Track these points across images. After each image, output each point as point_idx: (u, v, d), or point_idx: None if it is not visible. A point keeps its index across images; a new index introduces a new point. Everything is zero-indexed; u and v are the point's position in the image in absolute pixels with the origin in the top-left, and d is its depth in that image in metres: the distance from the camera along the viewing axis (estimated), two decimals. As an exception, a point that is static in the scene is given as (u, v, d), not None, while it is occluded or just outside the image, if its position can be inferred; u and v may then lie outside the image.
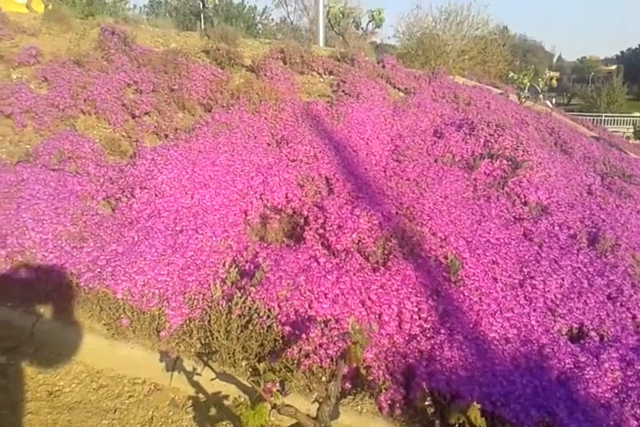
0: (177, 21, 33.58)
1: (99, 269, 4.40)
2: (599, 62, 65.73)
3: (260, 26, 38.29)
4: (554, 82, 10.82)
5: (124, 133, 6.53)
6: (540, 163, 6.77)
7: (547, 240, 5.63)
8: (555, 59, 63.00)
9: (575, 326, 4.52)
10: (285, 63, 8.72)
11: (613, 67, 58.92)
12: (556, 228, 5.89)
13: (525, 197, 6.27)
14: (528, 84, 9.94)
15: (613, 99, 41.25)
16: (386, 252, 5.06)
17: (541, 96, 11.72)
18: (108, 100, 6.70)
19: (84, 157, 5.82)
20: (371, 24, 11.69)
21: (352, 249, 5.11)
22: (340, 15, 11.30)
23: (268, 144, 6.73)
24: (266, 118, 7.03)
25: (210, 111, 7.18)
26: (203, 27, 14.70)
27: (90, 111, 6.65)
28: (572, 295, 4.83)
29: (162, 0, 36.68)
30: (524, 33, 50.75)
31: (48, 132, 6.25)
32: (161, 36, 8.79)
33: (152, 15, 36.78)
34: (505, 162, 6.72)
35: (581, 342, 4.36)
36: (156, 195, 5.48)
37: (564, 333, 4.48)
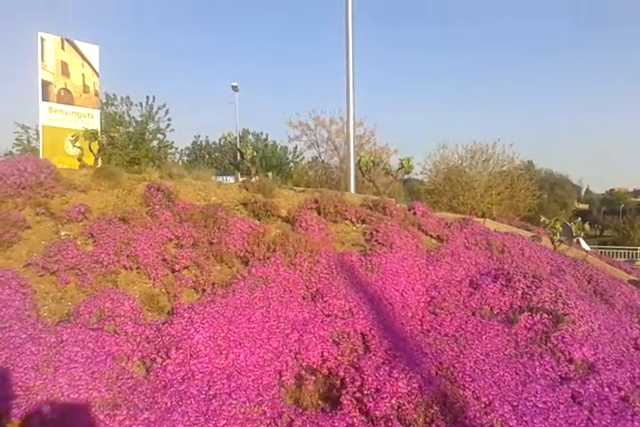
0: (217, 165, 35.63)
1: (130, 442, 4.27)
2: (628, 194, 66.48)
3: (292, 164, 40.38)
4: (586, 227, 10.90)
5: (163, 289, 6.66)
6: (581, 316, 6.62)
7: (597, 404, 5.34)
8: (583, 191, 63.94)
9: None
10: (319, 213, 9.03)
11: (643, 198, 59.61)
12: (606, 389, 5.60)
13: (570, 353, 6.05)
14: (560, 229, 10.05)
15: (647, 231, 41.14)
16: (428, 420, 4.83)
17: (575, 240, 11.77)
18: (150, 255, 6.93)
19: (123, 315, 5.90)
20: (400, 171, 12.18)
21: (391, 416, 4.90)
22: (371, 164, 11.85)
23: (304, 298, 6.77)
24: (301, 271, 7.13)
25: (247, 263, 7.34)
26: (240, 174, 15.49)
27: (132, 266, 6.85)
28: (632, 471, 4.47)
29: (202, 143, 39.39)
30: (549, 167, 52.19)
31: (90, 289, 6.41)
32: (202, 189, 9.27)
33: (193, 156, 39.28)
34: (545, 315, 6.59)
35: None
36: (191, 355, 5.44)
37: None
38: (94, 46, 14.10)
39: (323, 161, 37.34)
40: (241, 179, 16.37)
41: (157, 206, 7.99)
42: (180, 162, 35.73)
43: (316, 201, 9.20)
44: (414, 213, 10.03)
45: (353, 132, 13.78)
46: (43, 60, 13.02)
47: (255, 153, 12.19)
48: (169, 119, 30.92)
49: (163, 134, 31.05)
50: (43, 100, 12.97)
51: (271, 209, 8.75)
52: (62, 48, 13.42)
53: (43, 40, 13.04)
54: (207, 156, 37.79)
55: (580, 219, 11.53)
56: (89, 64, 13.93)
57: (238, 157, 13.61)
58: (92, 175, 8.84)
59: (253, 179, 11.75)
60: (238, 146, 13.06)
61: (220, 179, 29.27)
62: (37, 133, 27.82)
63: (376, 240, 8.37)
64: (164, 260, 7.02)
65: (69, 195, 8.14)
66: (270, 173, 29.13)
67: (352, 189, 13.23)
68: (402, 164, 12.09)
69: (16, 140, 29.23)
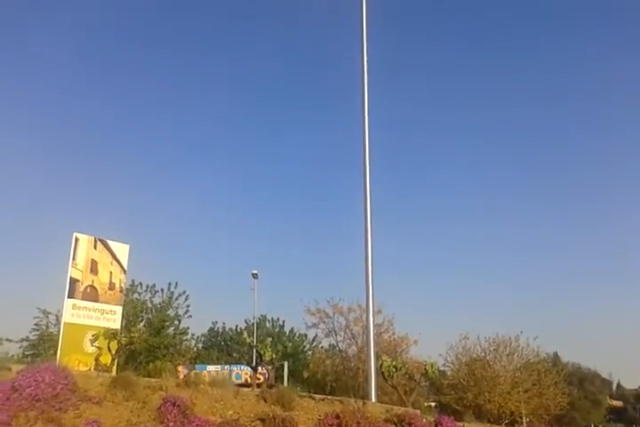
0: (233, 353, 34.89)
1: None
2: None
3: (309, 353, 39.42)
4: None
5: None
6: None
7: None
8: (614, 386, 60.48)
9: None
10: (341, 431, 8.55)
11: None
12: None
13: None
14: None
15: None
16: None
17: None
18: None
19: None
20: (424, 377, 11.77)
21: None
22: (393, 369, 11.50)
23: None
24: None
25: None
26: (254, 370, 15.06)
27: None
28: None
29: (219, 330, 39.07)
30: (577, 360, 50.00)
31: None
32: (219, 400, 8.95)
33: (208, 343, 38.74)
34: None
35: None
36: None
37: None
38: (125, 245, 14.83)
39: (340, 350, 36.43)
40: (259, 371, 15.66)
41: (172, 423, 7.64)
42: (196, 349, 35.21)
43: (338, 416, 8.76)
44: (441, 431, 9.44)
45: (373, 346, 13.32)
46: (74, 258, 13.61)
47: (274, 355, 11.99)
48: (188, 305, 31.23)
49: (179, 321, 31.12)
50: (68, 297, 13.29)
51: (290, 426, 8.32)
52: (94, 247, 14.11)
53: (77, 240, 13.78)
54: (223, 343, 37.29)
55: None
56: (118, 262, 14.52)
57: (255, 355, 13.39)
58: (107, 385, 8.65)
59: (269, 380, 11.41)
60: (257, 347, 12.89)
61: (234, 368, 28.56)
62: (57, 319, 28.07)
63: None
64: None
65: (83, 408, 7.92)
66: (286, 363, 28.47)
67: (373, 397, 12.61)
68: (425, 369, 11.74)
69: (35, 325, 29.32)
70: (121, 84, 75.32)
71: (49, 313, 29.26)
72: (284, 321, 38.90)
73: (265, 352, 11.97)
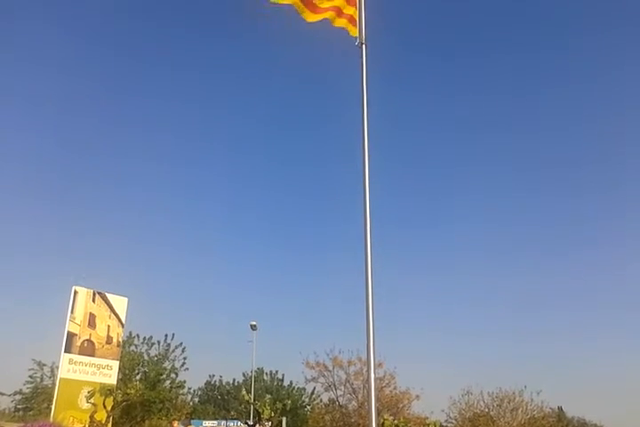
0: (229, 407, 34.02)
1: None
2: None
3: (308, 407, 38.42)
4: None
5: None
6: None
7: None
8: (622, 442, 58.77)
9: None
10: None
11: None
12: None
13: None
14: None
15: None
16: None
17: None
18: None
19: None
20: None
21: None
22: (395, 428, 11.23)
23: None
24: None
25: None
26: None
27: None
28: None
29: (216, 383, 38.30)
30: (582, 415, 48.59)
31: None
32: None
33: (205, 397, 37.87)
34: None
35: None
36: None
37: None
38: (123, 298, 14.74)
39: (340, 405, 35.52)
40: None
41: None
42: (192, 403, 34.37)
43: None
44: None
45: (375, 402, 13.02)
46: (72, 311, 13.49)
47: (273, 414, 11.74)
48: (184, 358, 30.68)
49: (175, 374, 30.51)
50: (65, 351, 13.09)
51: None
52: (93, 300, 14.01)
53: (76, 293, 13.70)
54: (220, 397, 36.47)
55: None
56: (116, 315, 14.39)
57: (253, 411, 13.07)
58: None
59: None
60: (255, 404, 12.64)
61: (231, 424, 27.79)
62: (52, 371, 27.49)
63: None
64: None
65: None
66: (284, 419, 27.78)
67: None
68: (428, 428, 11.46)
69: (30, 377, 28.74)
70: (129, 136, 76.18)
71: (44, 365, 28.77)
72: (283, 375, 38.18)
73: (264, 410, 11.73)
